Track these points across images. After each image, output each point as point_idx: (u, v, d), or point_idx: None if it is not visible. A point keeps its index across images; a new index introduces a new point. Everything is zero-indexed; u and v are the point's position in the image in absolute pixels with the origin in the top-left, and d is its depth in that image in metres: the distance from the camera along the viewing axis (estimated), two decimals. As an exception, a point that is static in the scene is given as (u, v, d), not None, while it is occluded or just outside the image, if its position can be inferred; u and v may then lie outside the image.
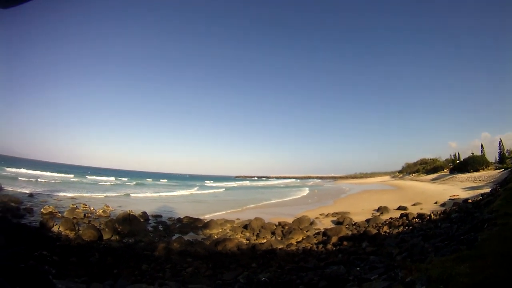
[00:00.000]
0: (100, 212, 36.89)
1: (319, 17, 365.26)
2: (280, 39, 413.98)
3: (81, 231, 26.19)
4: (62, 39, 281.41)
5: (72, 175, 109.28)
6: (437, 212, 37.08)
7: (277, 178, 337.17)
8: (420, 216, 35.74)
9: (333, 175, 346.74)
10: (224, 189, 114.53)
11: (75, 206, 37.36)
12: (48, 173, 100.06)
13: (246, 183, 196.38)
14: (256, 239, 30.47)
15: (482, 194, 49.49)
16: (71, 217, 31.58)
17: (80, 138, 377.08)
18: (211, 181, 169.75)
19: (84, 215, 34.41)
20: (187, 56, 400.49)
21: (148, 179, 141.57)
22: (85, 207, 38.47)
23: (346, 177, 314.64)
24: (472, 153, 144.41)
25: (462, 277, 8.10)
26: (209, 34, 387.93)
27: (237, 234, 32.02)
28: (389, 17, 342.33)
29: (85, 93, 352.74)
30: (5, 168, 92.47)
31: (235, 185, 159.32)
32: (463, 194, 59.98)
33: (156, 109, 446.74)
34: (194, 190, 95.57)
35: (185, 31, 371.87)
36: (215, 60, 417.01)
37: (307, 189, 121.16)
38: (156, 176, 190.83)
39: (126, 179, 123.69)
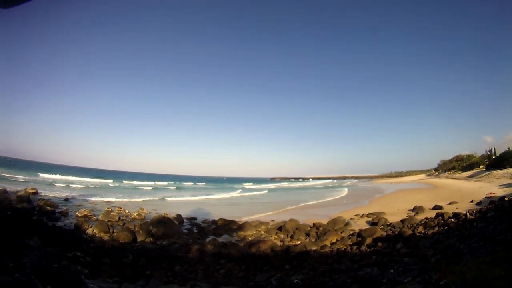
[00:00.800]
0: (135, 215, 37.52)
1: (327, 15, 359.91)
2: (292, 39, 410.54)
3: (115, 233, 26.73)
4: (62, 39, 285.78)
5: (110, 180, 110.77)
6: (473, 211, 36.39)
7: (313, 179, 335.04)
8: (456, 215, 35.15)
9: (368, 174, 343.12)
10: (267, 191, 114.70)
11: (110, 209, 38.06)
12: (84, 179, 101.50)
13: (284, 184, 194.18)
14: (290, 240, 30.44)
15: (519, 191, 48.53)
16: (106, 220, 32.21)
17: (117, 144, 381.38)
18: (251, 184, 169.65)
19: (119, 218, 34.93)
20: (207, 56, 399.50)
21: (185, 183, 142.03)
22: (120, 210, 39.15)
23: (382, 177, 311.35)
24: (508, 148, 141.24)
25: (498, 281, 7.99)
26: (228, 36, 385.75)
27: (271, 236, 32.08)
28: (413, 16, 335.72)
29: (112, 97, 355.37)
30: (40, 174, 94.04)
31: (273, 186, 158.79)
32: (500, 192, 58.79)
33: (188, 113, 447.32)
34: (236, 193, 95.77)
35: (196, 31, 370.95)
36: (239, 60, 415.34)
37: (346, 189, 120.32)
38: (191, 179, 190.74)
39: (164, 183, 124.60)
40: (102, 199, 53.01)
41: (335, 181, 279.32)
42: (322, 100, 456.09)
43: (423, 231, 30.04)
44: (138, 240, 26.71)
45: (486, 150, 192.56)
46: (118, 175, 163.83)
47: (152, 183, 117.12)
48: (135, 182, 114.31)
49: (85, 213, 34.31)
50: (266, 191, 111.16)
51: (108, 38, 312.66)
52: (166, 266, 19.53)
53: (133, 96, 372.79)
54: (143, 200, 58.01)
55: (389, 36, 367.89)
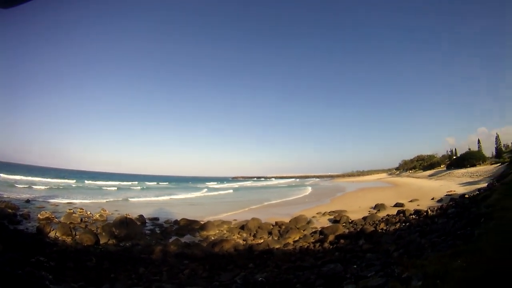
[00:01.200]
0: (97, 216, 36.68)
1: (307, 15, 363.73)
2: (272, 39, 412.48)
3: (78, 236, 26.04)
4: (62, 39, 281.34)
5: (73, 181, 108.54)
6: (434, 208, 37.15)
7: (275, 178, 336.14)
8: (417, 212, 35.78)
9: (330, 173, 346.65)
10: (232, 190, 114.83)
11: (71, 211, 37.08)
12: (46, 179, 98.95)
13: (248, 183, 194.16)
14: (253, 239, 30.36)
15: (479, 189, 49.65)
16: (68, 222, 31.30)
17: (79, 142, 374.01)
18: (215, 183, 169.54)
19: (81, 220, 34.06)
20: (176, 56, 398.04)
21: (148, 182, 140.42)
22: (82, 212, 38.11)
23: (343, 176, 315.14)
24: (469, 149, 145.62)
25: (459, 272, 8.04)
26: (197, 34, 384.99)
27: (234, 235, 31.88)
28: (380, 14, 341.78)
29: (81, 95, 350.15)
30: (1, 174, 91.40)
31: (237, 186, 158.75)
32: (460, 190, 60.19)
33: (149, 111, 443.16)
34: (201, 193, 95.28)
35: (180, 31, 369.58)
36: (205, 60, 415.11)
37: (309, 188, 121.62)
38: (155, 179, 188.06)
39: (128, 183, 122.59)
40: (64, 200, 51.47)
41: (298, 180, 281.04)
42: (284, 100, 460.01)
43: (385, 228, 30.46)
44: (101, 242, 26.04)
45: (447, 151, 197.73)
46: (80, 175, 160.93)
47: (115, 183, 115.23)
48: (98, 183, 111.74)
49: (47, 216, 33.30)
50: (231, 190, 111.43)
51: (102, 38, 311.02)
52: (130, 269, 19.17)
53: (94, 96, 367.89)
54: (107, 201, 56.53)
55: (352, 34, 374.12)
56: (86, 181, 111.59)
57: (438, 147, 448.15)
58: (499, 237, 11.22)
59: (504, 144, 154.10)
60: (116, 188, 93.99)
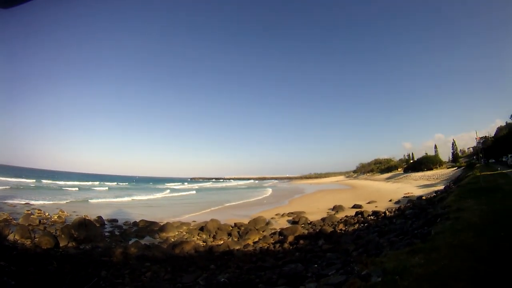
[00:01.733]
0: (55, 217, 35.66)
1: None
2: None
3: (37, 239, 25.30)
4: (61, 39, 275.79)
5: (32, 180, 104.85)
6: (391, 209, 38.01)
7: (234, 179, 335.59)
8: (375, 213, 36.54)
9: (288, 175, 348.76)
10: (194, 191, 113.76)
11: (29, 212, 36.03)
12: (3, 178, 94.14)
13: (207, 185, 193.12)
14: (213, 240, 30.23)
15: (435, 191, 51.20)
16: (26, 224, 30.45)
17: (38, 141, 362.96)
18: (177, 184, 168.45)
19: (40, 222, 32.93)
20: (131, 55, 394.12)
21: (108, 182, 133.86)
22: (40, 213, 36.95)
23: (301, 178, 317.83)
24: (426, 153, 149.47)
25: (416, 268, 8.30)
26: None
27: (193, 237, 31.66)
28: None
29: (34, 92, 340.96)
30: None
31: (197, 187, 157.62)
32: (417, 192, 61.78)
33: (108, 111, 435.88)
34: (164, 194, 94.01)
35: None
36: (161, 60, 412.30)
37: (270, 189, 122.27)
38: (114, 179, 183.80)
39: (87, 183, 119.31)
40: (22, 201, 49.83)
41: (257, 182, 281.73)
42: (242, 101, 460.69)
43: (343, 228, 30.93)
44: (61, 245, 25.24)
45: (404, 155, 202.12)
46: (39, 174, 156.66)
47: (75, 183, 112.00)
48: (58, 182, 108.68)
49: (5, 217, 32.24)
50: (194, 192, 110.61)
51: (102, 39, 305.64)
52: (92, 272, 18.80)
53: (54, 94, 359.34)
54: (66, 202, 54.99)
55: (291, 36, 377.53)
56: (44, 181, 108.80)
57: (395, 151, 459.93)
58: (454, 235, 11.58)
59: (460, 150, 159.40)
60: (77, 189, 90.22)
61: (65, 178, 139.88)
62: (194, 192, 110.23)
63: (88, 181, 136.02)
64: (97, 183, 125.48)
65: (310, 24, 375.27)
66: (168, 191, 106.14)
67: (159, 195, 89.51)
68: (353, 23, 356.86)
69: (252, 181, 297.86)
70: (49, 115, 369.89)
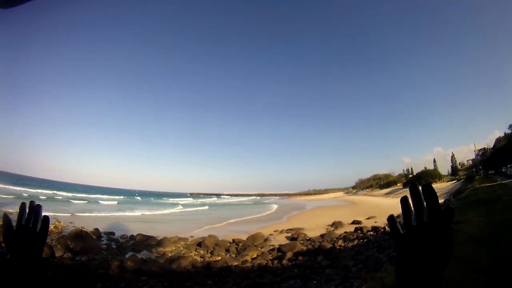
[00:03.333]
0: (52, 227, 35.44)
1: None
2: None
3: (32, 248, 25.22)
4: (62, 39, 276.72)
5: (38, 190, 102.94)
6: (391, 225, 37.78)
7: (234, 195, 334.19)
8: (375, 229, 36.36)
9: (286, 192, 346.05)
10: (207, 206, 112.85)
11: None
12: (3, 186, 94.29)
13: (216, 200, 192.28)
14: (211, 256, 30.02)
15: (435, 205, 50.93)
16: (22, 233, 30.35)
17: (30, 146, 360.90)
18: (185, 199, 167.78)
19: None
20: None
21: (110, 196, 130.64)
22: None
23: (300, 194, 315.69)
24: (425, 167, 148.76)
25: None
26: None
27: (191, 252, 31.37)
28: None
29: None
30: None
31: (208, 202, 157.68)
32: (417, 207, 61.58)
33: (100, 122, 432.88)
34: (178, 209, 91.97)
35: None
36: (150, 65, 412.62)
37: (275, 205, 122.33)
38: (109, 192, 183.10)
39: (90, 196, 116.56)
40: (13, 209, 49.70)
41: (258, 198, 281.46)
42: (235, 117, 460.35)
43: (343, 244, 30.75)
44: (56, 255, 25.15)
45: (403, 170, 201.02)
46: (33, 183, 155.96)
47: (82, 195, 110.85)
48: (60, 193, 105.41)
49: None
50: (207, 207, 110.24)
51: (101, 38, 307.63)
52: (87, 284, 18.62)
53: (54, 95, 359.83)
54: (80, 215, 54.11)
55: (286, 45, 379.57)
56: (44, 191, 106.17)
57: (394, 167, 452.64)
58: (455, 249, 11.42)
59: (459, 163, 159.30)
60: (86, 202, 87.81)
61: (60, 188, 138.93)
62: (207, 207, 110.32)
63: (88, 193, 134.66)
64: (104, 196, 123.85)
65: (307, 34, 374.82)
66: (181, 206, 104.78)
67: (174, 210, 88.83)
68: (348, 34, 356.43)
69: (254, 197, 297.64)
70: (43, 119, 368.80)
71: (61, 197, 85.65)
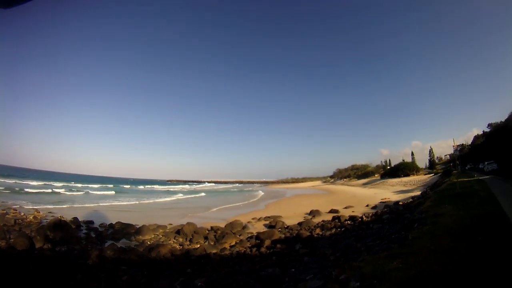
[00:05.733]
0: (31, 218, 35.03)
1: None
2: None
3: (12, 240, 24.82)
4: (62, 39, 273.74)
5: (37, 182, 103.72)
6: (368, 214, 38.22)
7: (212, 182, 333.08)
8: (352, 218, 36.73)
9: (265, 180, 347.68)
10: (205, 193, 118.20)
11: (4, 211, 35.40)
12: None
13: (186, 187, 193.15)
14: (189, 244, 30.02)
15: (412, 197, 51.86)
16: (1, 224, 29.86)
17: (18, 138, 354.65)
18: (169, 186, 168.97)
19: (15, 222, 32.28)
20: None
21: (92, 185, 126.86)
22: (15, 213, 36.22)
23: (278, 182, 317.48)
24: (403, 160, 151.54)
25: (395, 272, 8.28)
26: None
27: (169, 240, 31.36)
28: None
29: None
30: None
31: (205, 189, 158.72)
32: (394, 197, 62.50)
33: (81, 111, 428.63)
34: (178, 197, 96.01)
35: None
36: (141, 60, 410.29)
37: (261, 192, 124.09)
38: (92, 180, 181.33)
39: (59, 183, 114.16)
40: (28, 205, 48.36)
41: (238, 185, 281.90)
42: (218, 104, 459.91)
43: (320, 233, 31.00)
44: (37, 246, 24.63)
45: (381, 161, 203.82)
46: (27, 174, 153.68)
47: (76, 185, 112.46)
48: (53, 184, 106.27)
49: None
50: (203, 194, 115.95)
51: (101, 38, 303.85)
52: (68, 276, 18.50)
53: (52, 95, 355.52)
54: (82, 206, 53.55)
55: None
56: (37, 183, 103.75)
57: (372, 157, 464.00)
58: (432, 240, 11.63)
59: (437, 157, 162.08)
60: (83, 192, 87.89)
61: (50, 178, 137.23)
62: (204, 194, 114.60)
63: (76, 182, 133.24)
64: (97, 186, 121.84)
65: (299, 30, 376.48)
66: (181, 194, 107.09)
67: (175, 197, 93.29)
68: (337, 31, 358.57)
69: (237, 184, 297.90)
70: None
71: (51, 189, 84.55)
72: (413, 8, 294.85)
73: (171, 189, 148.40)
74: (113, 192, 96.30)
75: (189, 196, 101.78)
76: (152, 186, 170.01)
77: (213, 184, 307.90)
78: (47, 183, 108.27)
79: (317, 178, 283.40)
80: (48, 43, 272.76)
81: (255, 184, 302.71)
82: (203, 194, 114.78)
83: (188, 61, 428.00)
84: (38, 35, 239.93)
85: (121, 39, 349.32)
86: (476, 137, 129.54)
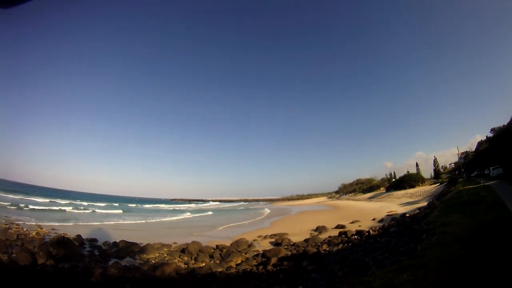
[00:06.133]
0: (34, 234, 34.85)
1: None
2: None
3: (14, 255, 24.63)
4: (62, 39, 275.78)
5: (43, 199, 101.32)
6: (375, 228, 37.94)
7: (219, 201, 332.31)
8: (359, 232, 36.36)
9: (269, 197, 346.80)
10: (211, 212, 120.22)
11: (7, 226, 35.21)
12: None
13: (192, 206, 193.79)
14: (195, 263, 29.69)
15: (419, 208, 51.45)
16: (4, 239, 29.67)
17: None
18: (175, 205, 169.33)
19: (17, 237, 32.05)
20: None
21: (98, 203, 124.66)
22: (18, 228, 36.03)
23: (283, 199, 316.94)
24: (408, 171, 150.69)
25: (405, 285, 8.11)
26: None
27: (174, 259, 31.03)
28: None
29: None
30: None
31: (212, 207, 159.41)
32: (401, 210, 62.01)
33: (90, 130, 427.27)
34: (186, 215, 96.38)
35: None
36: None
37: (267, 209, 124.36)
38: (98, 198, 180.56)
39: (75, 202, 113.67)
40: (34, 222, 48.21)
41: (246, 203, 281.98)
42: (222, 122, 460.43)
43: (327, 249, 30.64)
44: (39, 262, 24.45)
45: (386, 174, 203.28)
46: (30, 190, 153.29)
47: (82, 203, 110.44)
48: (57, 201, 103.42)
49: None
50: (210, 212, 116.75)
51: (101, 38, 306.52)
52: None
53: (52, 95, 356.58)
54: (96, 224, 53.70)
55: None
56: (41, 200, 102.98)
57: (377, 171, 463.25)
58: (441, 250, 11.44)
59: (442, 166, 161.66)
60: (91, 210, 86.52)
61: (57, 196, 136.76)
62: (211, 213, 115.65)
63: (81, 199, 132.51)
64: (103, 204, 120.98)
65: (300, 34, 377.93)
66: (188, 213, 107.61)
67: (182, 216, 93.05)
68: (337, 39, 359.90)
69: (242, 203, 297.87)
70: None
71: (57, 206, 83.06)
72: (414, 10, 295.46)
73: (177, 208, 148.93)
74: (120, 211, 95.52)
75: (196, 215, 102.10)
76: (158, 205, 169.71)
77: (218, 202, 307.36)
78: (52, 200, 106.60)
79: (322, 194, 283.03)
80: (48, 43, 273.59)
81: (260, 202, 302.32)
82: (210, 213, 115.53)
83: (190, 78, 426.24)
84: (38, 35, 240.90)
85: (122, 38, 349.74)
86: (480, 143, 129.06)
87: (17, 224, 38.14)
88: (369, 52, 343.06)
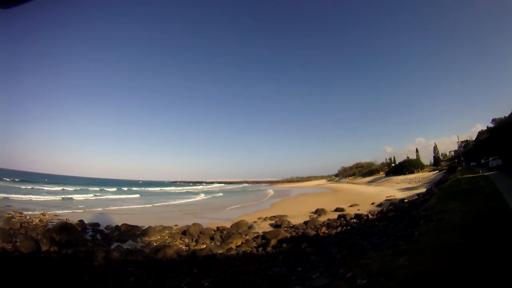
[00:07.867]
0: (37, 221, 35.13)
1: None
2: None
3: (18, 243, 24.79)
4: (62, 39, 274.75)
5: (56, 187, 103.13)
6: (374, 212, 38.18)
7: (220, 183, 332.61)
8: (358, 216, 36.59)
9: (269, 179, 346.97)
10: (221, 193, 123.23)
11: (10, 215, 35.57)
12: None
13: (226, 187, 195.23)
14: (195, 245, 30.08)
15: (417, 194, 51.74)
16: (7, 228, 29.87)
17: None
18: (186, 187, 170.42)
19: (21, 225, 32.30)
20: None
21: (107, 189, 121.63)
22: (21, 217, 36.39)
23: (283, 181, 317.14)
24: (407, 157, 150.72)
25: (402, 269, 8.28)
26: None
27: (176, 241, 31.39)
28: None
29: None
30: None
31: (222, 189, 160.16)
32: (399, 195, 62.30)
33: (81, 112, 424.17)
34: (200, 197, 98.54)
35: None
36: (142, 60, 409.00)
37: (271, 191, 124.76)
38: (103, 183, 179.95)
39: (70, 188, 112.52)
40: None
41: (246, 185, 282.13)
42: (222, 103, 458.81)
43: (326, 231, 30.96)
44: (43, 249, 24.57)
45: (386, 159, 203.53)
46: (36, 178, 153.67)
47: (104, 188, 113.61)
48: (76, 188, 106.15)
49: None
50: (221, 193, 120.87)
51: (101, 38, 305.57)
52: (74, 278, 18.47)
53: (52, 95, 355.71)
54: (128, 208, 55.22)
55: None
56: (63, 188, 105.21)
57: (377, 156, 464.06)
58: (438, 237, 11.64)
59: (441, 153, 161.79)
60: (114, 196, 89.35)
61: (61, 182, 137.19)
62: (221, 194, 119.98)
63: (90, 185, 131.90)
64: (114, 189, 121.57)
65: (300, 26, 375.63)
66: (203, 195, 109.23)
67: (198, 198, 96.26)
68: (339, 29, 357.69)
69: (245, 184, 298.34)
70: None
71: (63, 194, 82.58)
72: (416, 5, 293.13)
73: (191, 190, 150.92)
74: (138, 196, 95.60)
75: (209, 196, 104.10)
76: (172, 188, 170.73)
77: (223, 184, 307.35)
78: (58, 188, 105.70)
79: (322, 177, 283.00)
80: (48, 43, 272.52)
81: (262, 184, 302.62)
82: (220, 194, 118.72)
83: (189, 61, 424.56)
84: (38, 35, 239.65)
85: (122, 39, 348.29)
86: (480, 133, 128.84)
87: (20, 213, 38.41)
88: (371, 36, 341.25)
